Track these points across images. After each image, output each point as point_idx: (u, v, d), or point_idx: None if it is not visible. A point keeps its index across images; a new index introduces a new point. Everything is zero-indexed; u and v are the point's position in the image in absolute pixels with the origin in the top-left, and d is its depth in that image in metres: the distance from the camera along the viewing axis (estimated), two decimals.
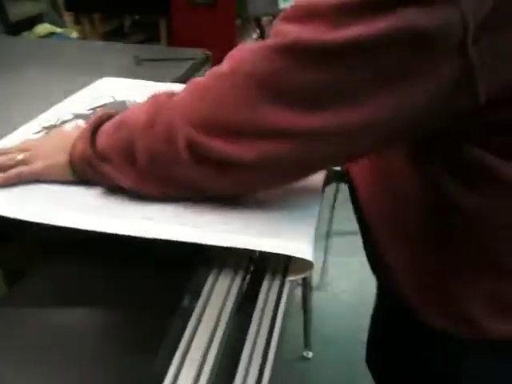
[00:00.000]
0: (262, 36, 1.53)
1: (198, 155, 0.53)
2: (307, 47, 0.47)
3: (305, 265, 0.55)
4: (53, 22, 2.19)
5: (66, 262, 0.58)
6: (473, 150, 0.54)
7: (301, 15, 0.49)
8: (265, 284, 0.55)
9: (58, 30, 2.09)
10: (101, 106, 0.90)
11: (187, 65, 1.28)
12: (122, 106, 0.91)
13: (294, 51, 0.48)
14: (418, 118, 0.50)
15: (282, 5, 1.24)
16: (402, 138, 0.55)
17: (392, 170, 0.63)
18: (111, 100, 0.93)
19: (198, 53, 1.36)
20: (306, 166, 0.55)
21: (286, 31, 0.49)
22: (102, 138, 0.59)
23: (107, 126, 0.60)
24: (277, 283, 0.55)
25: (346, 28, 0.46)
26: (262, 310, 0.51)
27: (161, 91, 0.59)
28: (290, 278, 0.56)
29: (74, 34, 2.13)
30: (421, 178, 0.60)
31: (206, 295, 0.53)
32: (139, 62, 1.28)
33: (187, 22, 2.12)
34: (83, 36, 2.31)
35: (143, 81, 1.06)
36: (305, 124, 0.49)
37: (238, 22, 2.01)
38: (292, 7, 0.51)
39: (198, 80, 0.55)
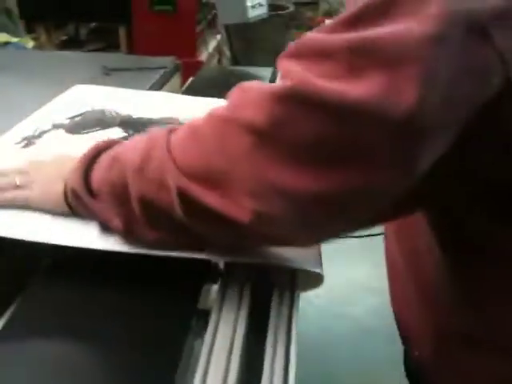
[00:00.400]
0: (229, 38, 1.53)
1: (191, 207, 0.48)
2: (314, 94, 0.40)
3: (312, 278, 0.55)
4: (7, 31, 2.11)
5: (70, 278, 0.56)
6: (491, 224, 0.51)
7: (308, 52, 0.42)
8: (274, 300, 0.54)
9: (14, 39, 2.02)
10: (79, 115, 0.87)
11: (157, 74, 1.26)
12: (101, 114, 0.88)
13: (297, 97, 0.41)
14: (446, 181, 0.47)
15: (251, 13, 1.25)
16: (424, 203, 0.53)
17: (412, 231, 0.62)
18: (89, 109, 0.90)
19: (168, 61, 1.34)
20: (313, 232, 0.49)
21: (289, 72, 0.42)
22: (96, 175, 0.55)
23: (102, 160, 0.55)
24: (287, 299, 0.54)
25: (365, 77, 0.38)
26: (276, 326, 0.51)
27: (158, 130, 0.53)
28: (299, 292, 0.56)
29: (31, 44, 2.06)
30: (437, 243, 0.57)
31: (216, 314, 0.51)
32: (108, 72, 1.25)
33: (148, 29, 2.10)
34: (39, 45, 2.24)
35: (120, 88, 1.03)
36: (304, 184, 0.42)
37: (202, 24, 1.99)
38: (300, 40, 0.43)
39: (196, 122, 0.49)
